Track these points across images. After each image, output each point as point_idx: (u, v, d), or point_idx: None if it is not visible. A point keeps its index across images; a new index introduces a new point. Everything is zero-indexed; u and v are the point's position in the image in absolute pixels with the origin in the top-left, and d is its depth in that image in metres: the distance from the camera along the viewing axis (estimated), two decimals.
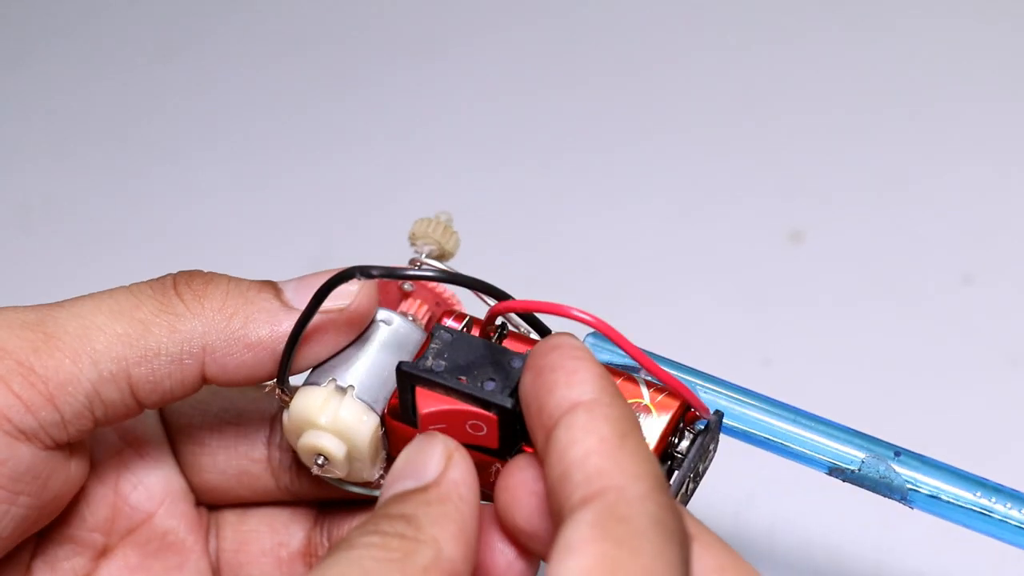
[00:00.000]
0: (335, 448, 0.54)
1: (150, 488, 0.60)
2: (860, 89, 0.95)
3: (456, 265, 0.58)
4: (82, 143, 0.97)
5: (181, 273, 0.56)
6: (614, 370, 0.55)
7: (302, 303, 0.54)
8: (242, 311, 0.54)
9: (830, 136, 0.93)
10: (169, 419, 0.60)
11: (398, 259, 0.58)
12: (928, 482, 0.55)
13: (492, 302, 0.53)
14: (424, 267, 0.56)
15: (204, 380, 0.55)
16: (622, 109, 0.96)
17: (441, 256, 0.58)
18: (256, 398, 0.60)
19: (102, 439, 0.59)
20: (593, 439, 0.47)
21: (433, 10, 1.01)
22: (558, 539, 0.46)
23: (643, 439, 0.49)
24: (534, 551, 0.52)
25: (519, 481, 0.51)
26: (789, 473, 0.69)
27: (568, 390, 0.49)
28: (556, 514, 0.48)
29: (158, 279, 0.55)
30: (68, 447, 0.55)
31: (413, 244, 0.58)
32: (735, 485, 0.75)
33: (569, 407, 0.48)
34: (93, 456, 0.58)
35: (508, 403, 0.51)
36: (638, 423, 0.49)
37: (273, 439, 0.60)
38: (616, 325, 0.55)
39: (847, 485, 0.56)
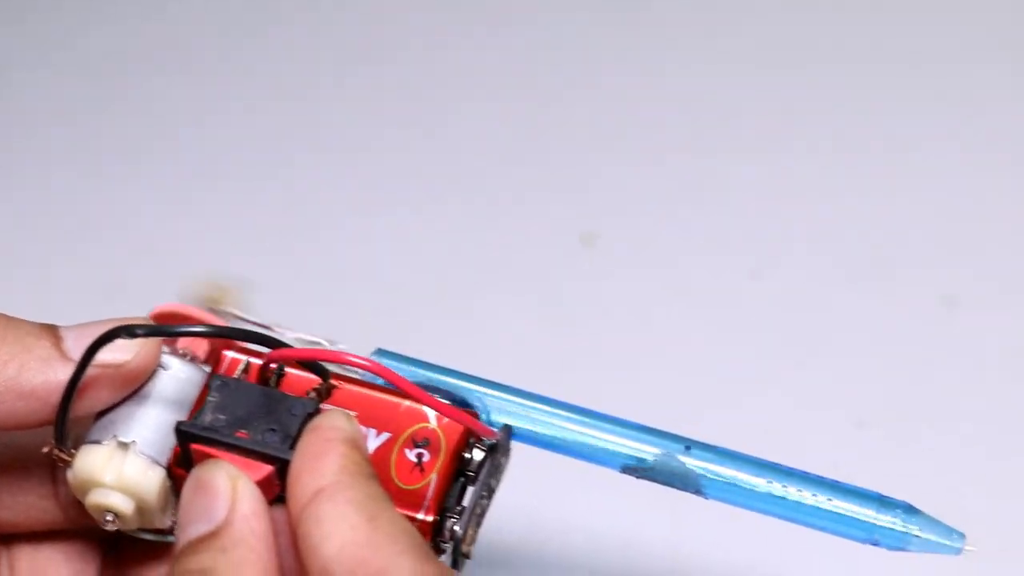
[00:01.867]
0: (123, 505, 0.53)
1: None
2: (644, 90, 0.96)
3: (257, 296, 0.57)
4: None
5: None
6: (398, 393, 0.54)
7: (82, 353, 0.52)
8: (18, 358, 0.53)
9: (618, 137, 0.94)
10: None
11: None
12: (721, 472, 0.56)
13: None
14: (200, 322, 0.55)
15: None
16: (397, 118, 0.95)
17: (225, 303, 0.57)
18: (39, 433, 0.58)
19: None
20: (344, 529, 0.47)
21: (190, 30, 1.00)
22: None
23: (395, 513, 0.48)
24: None
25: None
26: (581, 476, 0.70)
27: (311, 477, 0.49)
28: None
29: None
30: None
31: (201, 302, 0.57)
32: (526, 492, 0.75)
33: (312, 495, 0.48)
34: None
35: (289, 456, 0.51)
36: (385, 498, 0.49)
37: (59, 474, 0.58)
38: (410, 340, 0.55)
39: (639, 483, 0.56)
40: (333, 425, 0.50)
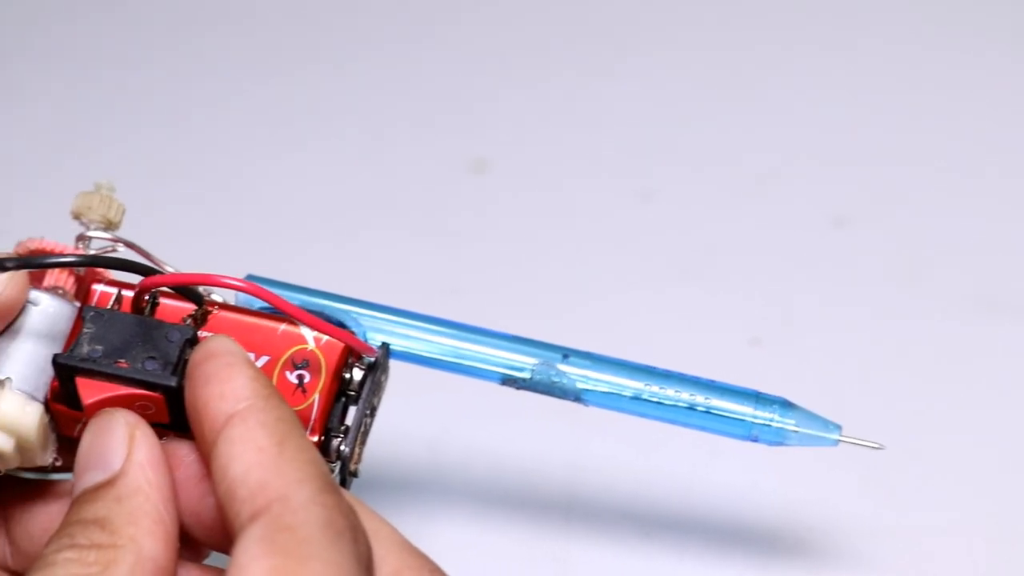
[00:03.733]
0: (2, 443, 0.52)
1: None
2: (527, 17, 0.96)
3: (137, 229, 0.57)
4: None
5: None
6: (278, 317, 0.54)
7: None
8: None
9: (505, 63, 0.94)
10: None
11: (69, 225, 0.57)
12: (599, 378, 0.56)
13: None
14: (70, 251, 0.55)
15: None
16: (287, 48, 0.95)
17: (108, 227, 0.57)
18: None
19: None
20: (251, 452, 0.47)
21: None
22: (230, 560, 0.46)
23: (303, 439, 0.48)
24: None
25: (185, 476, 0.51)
26: (483, 402, 0.70)
27: (222, 402, 0.48)
28: (229, 532, 0.47)
29: None
30: None
31: (77, 219, 0.56)
32: (430, 419, 0.75)
33: (225, 420, 0.48)
34: None
35: (172, 382, 0.51)
36: (296, 422, 0.49)
37: None
38: (302, 267, 0.54)
39: (540, 408, 0.56)
40: (229, 349, 0.50)
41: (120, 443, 0.50)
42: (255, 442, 0.47)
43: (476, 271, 0.83)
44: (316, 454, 0.48)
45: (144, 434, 0.51)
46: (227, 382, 0.49)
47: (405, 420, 0.72)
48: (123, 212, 0.57)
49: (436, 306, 0.61)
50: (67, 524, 0.49)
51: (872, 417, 0.74)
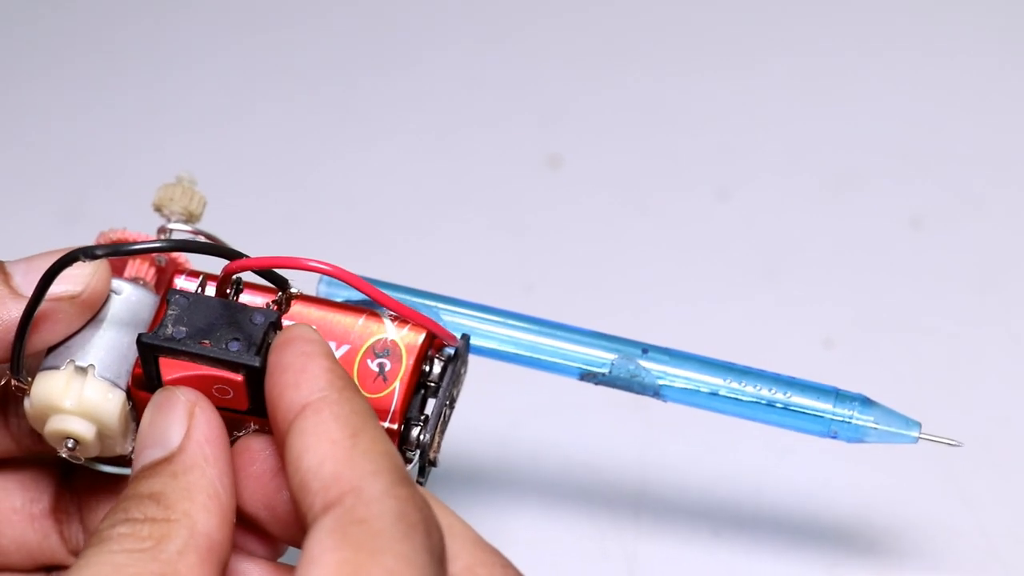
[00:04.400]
0: (84, 430, 0.53)
1: None
2: (605, 14, 0.96)
3: (211, 222, 0.57)
4: None
5: None
6: (358, 308, 0.55)
7: (32, 287, 0.52)
8: None
9: (582, 60, 0.94)
10: None
11: (149, 213, 0.57)
12: (678, 374, 0.56)
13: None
14: (157, 238, 0.55)
15: None
16: (365, 44, 0.95)
17: (189, 219, 0.57)
18: None
19: None
20: (324, 444, 0.47)
21: None
22: (302, 552, 0.45)
23: (378, 431, 0.48)
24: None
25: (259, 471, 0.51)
26: (552, 398, 0.71)
27: (296, 392, 0.48)
28: (302, 524, 0.47)
29: None
30: None
31: (159, 211, 0.57)
32: (499, 414, 0.75)
33: (299, 410, 0.48)
34: None
35: (256, 362, 0.51)
36: (371, 414, 0.49)
37: (11, 407, 0.58)
38: (376, 262, 0.54)
39: (609, 405, 0.56)
40: (309, 338, 0.50)
41: (179, 420, 0.50)
42: (328, 434, 0.47)
43: (550, 267, 0.84)
44: (391, 447, 0.48)
45: (203, 410, 0.51)
46: (302, 372, 0.49)
47: (475, 414, 0.72)
48: (204, 204, 0.57)
49: (510, 302, 0.61)
50: (123, 499, 0.49)
51: (945, 420, 0.74)
